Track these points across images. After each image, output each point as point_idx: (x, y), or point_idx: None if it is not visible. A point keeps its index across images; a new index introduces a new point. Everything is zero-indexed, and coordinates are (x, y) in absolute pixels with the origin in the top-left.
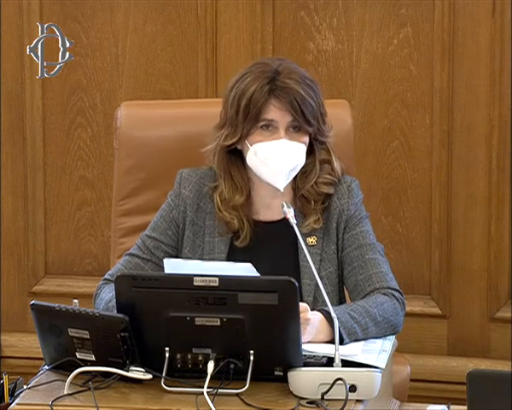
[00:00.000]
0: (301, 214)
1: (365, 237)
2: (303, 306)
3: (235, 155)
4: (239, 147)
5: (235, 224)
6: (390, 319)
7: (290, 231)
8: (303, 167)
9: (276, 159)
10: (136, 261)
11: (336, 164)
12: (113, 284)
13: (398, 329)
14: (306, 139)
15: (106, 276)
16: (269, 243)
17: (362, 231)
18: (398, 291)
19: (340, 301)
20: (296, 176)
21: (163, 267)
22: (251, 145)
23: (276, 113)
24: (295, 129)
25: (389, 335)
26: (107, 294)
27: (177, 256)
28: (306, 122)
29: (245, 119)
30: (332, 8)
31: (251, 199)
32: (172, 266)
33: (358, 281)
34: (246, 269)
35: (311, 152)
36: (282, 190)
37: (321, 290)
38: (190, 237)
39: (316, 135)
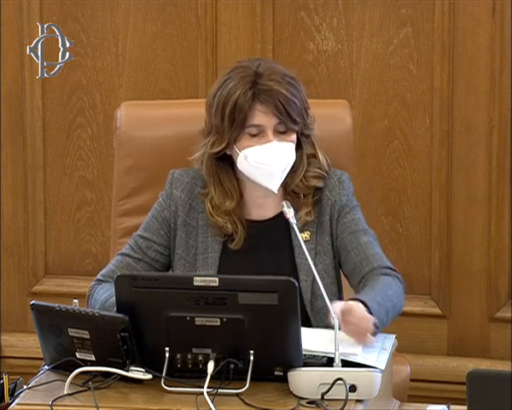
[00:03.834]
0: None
1: (357, 223)
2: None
3: (223, 161)
4: (228, 152)
5: (229, 228)
6: (399, 301)
7: (283, 228)
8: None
9: (268, 163)
10: (127, 261)
11: (322, 157)
12: (106, 284)
13: (401, 311)
14: (294, 137)
15: (98, 276)
16: (263, 242)
17: (354, 218)
18: (397, 272)
19: (338, 291)
20: None
21: (155, 267)
22: (240, 151)
23: (262, 117)
24: (282, 130)
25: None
26: (102, 294)
27: (169, 256)
28: (292, 122)
29: (231, 125)
30: (332, 8)
31: (243, 200)
32: None
33: (356, 263)
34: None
35: (297, 147)
36: (276, 192)
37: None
38: (183, 238)
39: (302, 130)
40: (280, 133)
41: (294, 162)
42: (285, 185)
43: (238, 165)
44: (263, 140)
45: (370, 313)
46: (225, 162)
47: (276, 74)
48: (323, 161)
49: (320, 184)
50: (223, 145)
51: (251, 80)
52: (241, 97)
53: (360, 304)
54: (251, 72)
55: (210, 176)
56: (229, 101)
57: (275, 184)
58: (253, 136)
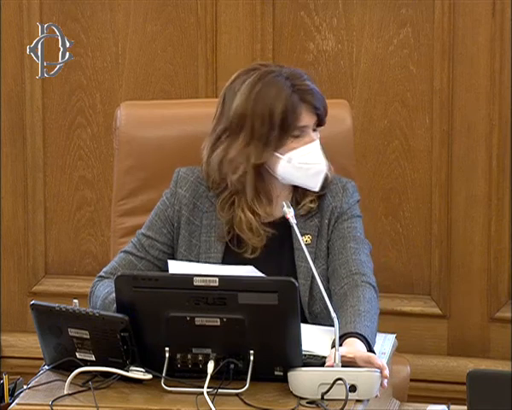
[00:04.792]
0: (296, 202)
1: (351, 231)
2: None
3: (262, 170)
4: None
5: (257, 243)
6: (377, 312)
7: (286, 230)
8: None
9: (316, 161)
10: (130, 259)
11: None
12: (107, 281)
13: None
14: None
15: (100, 273)
16: (265, 244)
17: (349, 226)
18: (373, 281)
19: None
20: None
21: (157, 266)
22: (283, 155)
23: (307, 118)
24: (316, 128)
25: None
26: (102, 291)
27: (172, 254)
28: (326, 118)
29: (282, 130)
30: (332, 8)
31: None
32: (176, 268)
33: (336, 266)
34: (249, 271)
35: None
36: (318, 191)
37: (316, 288)
38: (186, 237)
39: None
40: (315, 132)
41: None
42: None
43: (279, 170)
44: (305, 140)
45: (369, 345)
46: (265, 171)
47: (302, 75)
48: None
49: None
50: (269, 153)
51: (289, 85)
52: (289, 101)
53: (361, 349)
54: (281, 77)
55: (254, 188)
56: (277, 107)
57: (318, 183)
58: (297, 138)
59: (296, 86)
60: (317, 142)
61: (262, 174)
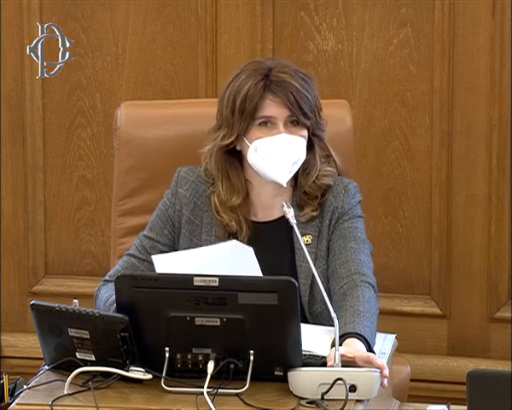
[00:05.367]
0: (298, 206)
1: (352, 231)
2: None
3: (232, 157)
4: (238, 147)
5: (234, 226)
6: (377, 313)
7: (287, 230)
8: (304, 164)
9: (276, 154)
10: (132, 261)
11: (337, 159)
12: (110, 284)
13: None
14: (305, 133)
15: (105, 277)
16: (266, 243)
17: (350, 226)
18: (373, 281)
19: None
20: (297, 173)
21: None
22: (250, 142)
23: (273, 108)
24: (293, 123)
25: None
26: (104, 294)
27: None
28: (304, 115)
29: (241, 117)
30: (332, 8)
31: (249, 201)
32: (161, 261)
33: (336, 266)
34: (233, 246)
35: (310, 148)
36: (285, 185)
37: (317, 288)
38: (187, 236)
39: (314, 129)
40: (291, 127)
41: (307, 163)
42: (296, 187)
43: (248, 157)
44: (273, 132)
45: (369, 345)
46: (234, 158)
47: (288, 68)
48: (338, 162)
49: (331, 181)
50: (233, 138)
51: (263, 73)
52: (252, 88)
53: (361, 349)
54: (264, 66)
55: (218, 170)
56: (241, 92)
57: (283, 177)
58: (264, 128)
59: (269, 76)
60: (284, 135)
61: (234, 160)
